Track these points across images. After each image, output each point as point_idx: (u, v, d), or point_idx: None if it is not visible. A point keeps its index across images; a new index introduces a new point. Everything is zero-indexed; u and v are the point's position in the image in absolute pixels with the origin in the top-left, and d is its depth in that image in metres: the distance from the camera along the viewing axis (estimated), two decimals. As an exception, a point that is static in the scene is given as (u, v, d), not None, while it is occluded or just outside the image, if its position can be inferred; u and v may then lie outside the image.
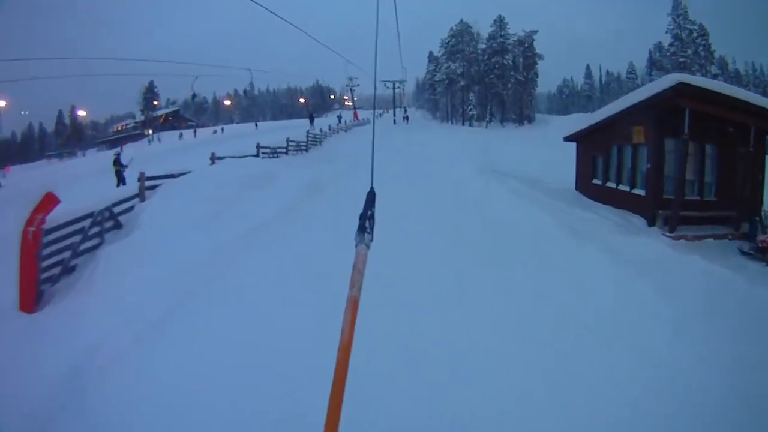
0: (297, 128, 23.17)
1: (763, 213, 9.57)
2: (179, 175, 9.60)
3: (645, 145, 9.95)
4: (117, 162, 13.50)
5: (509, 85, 42.57)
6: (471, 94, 42.95)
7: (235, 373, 3.74)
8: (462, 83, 42.51)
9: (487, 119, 42.25)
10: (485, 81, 42.61)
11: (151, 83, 38.66)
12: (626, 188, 10.70)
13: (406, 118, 39.83)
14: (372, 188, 1.36)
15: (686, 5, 37.96)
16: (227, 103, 52.29)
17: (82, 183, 13.72)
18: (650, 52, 43.97)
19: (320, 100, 54.93)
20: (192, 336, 4.38)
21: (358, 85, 41.19)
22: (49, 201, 5.71)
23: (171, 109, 42.08)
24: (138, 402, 3.50)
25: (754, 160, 9.36)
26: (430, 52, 46.84)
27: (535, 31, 42.98)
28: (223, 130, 40.66)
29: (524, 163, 17.15)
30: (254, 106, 59.66)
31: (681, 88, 8.55)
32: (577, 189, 12.83)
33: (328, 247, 5.67)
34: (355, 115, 40.19)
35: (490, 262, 6.31)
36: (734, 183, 9.40)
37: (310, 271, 5.65)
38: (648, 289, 5.34)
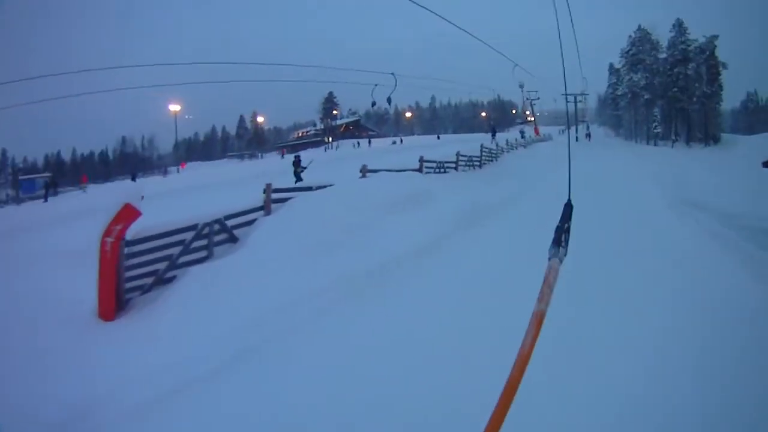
0: (477, 142, 21.74)
1: None
2: (318, 188, 8.35)
3: None
4: (297, 163, 15.00)
5: (694, 99, 35.41)
6: (655, 110, 37.02)
7: None
8: (646, 97, 37.16)
9: (673, 138, 36.17)
10: (668, 95, 36.33)
11: (330, 94, 42.01)
12: None
13: (588, 135, 37.24)
14: (569, 200, 1.32)
15: None
16: (408, 114, 53.97)
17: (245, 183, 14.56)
18: None
19: (501, 114, 51.67)
20: None
21: (538, 98, 37.44)
22: (129, 212, 5.02)
23: (352, 118, 45.18)
24: None
25: None
26: (611, 64, 41.21)
27: (716, 36, 34.62)
28: (401, 140, 41.51)
29: (719, 193, 12.79)
30: (435, 119, 60.21)
31: None
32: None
33: (477, 319, 4.13)
34: (536, 130, 37.35)
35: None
36: None
37: (438, 359, 3.61)
38: None
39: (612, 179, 15.62)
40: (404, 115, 58.23)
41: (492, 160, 21.76)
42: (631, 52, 38.21)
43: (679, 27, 36.49)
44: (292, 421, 3.01)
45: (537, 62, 24.27)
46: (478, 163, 19.45)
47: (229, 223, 6.58)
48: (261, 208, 7.15)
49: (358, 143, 39.94)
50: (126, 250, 5.37)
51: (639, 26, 37.66)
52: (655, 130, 37.02)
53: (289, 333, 4.34)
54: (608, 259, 5.82)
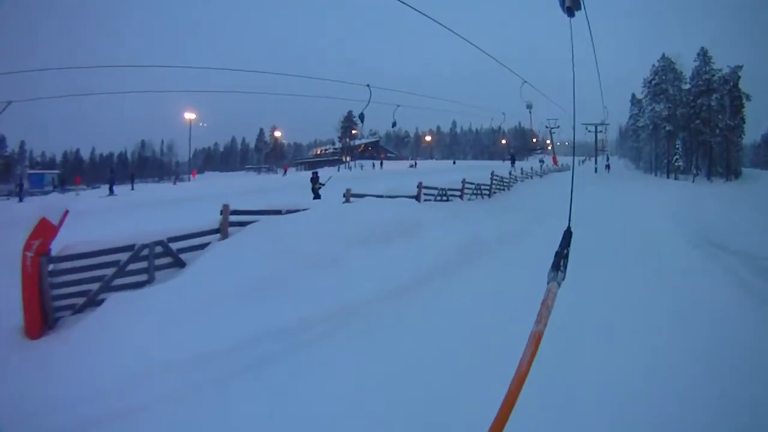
0: (495, 169, 20.82)
1: None
2: (288, 212, 7.87)
3: None
4: (315, 180, 15.03)
5: (717, 131, 34.31)
6: (677, 142, 36.07)
7: None
8: (667, 128, 35.85)
9: (694, 172, 35.22)
10: (691, 126, 35.31)
11: (350, 113, 42.40)
12: None
13: (608, 166, 37.22)
14: (569, 227, 1.35)
15: None
16: (428, 138, 53.78)
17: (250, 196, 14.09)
18: None
19: (522, 143, 50.86)
20: None
21: (558, 126, 37.34)
22: (45, 227, 4.62)
23: (371, 139, 45.21)
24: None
25: None
26: (633, 95, 41.43)
27: (740, 66, 33.60)
28: (416, 164, 41.27)
29: (747, 233, 11.43)
30: (455, 144, 59.82)
31: None
32: None
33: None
34: (554, 159, 36.95)
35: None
36: None
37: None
38: None
39: (626, 215, 14.65)
40: (424, 138, 58.04)
41: (503, 189, 20.87)
42: (654, 82, 37.12)
43: (704, 56, 35.45)
44: None
45: (561, 91, 23.55)
46: (487, 192, 18.55)
47: (179, 245, 6.15)
48: (217, 231, 6.72)
49: (381, 164, 39.84)
50: (52, 266, 5.06)
51: (663, 55, 37.20)
52: (676, 164, 35.79)
53: (192, 391, 3.80)
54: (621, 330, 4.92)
